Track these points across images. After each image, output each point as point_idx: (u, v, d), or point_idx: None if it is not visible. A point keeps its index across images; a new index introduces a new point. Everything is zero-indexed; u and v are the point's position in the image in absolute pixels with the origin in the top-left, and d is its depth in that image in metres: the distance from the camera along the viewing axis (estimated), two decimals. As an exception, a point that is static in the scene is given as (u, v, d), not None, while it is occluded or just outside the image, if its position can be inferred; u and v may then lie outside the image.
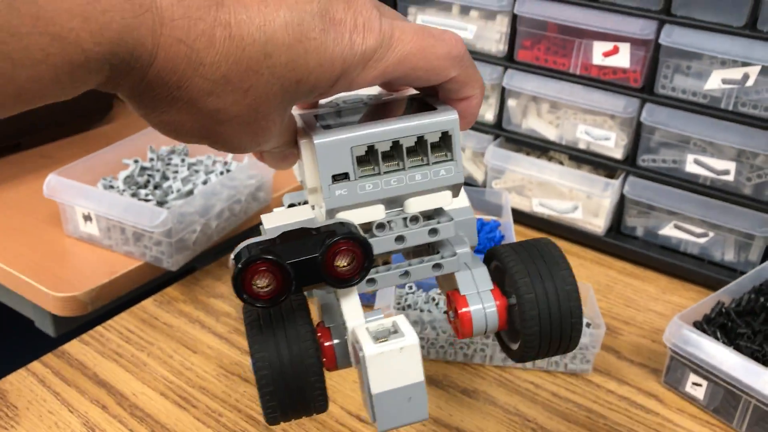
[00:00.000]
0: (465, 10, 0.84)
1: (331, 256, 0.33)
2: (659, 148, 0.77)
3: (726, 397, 0.60)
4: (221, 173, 0.83)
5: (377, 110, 0.38)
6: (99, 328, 0.69)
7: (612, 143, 0.79)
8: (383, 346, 0.33)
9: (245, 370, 0.64)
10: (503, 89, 0.83)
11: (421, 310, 0.69)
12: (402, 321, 0.35)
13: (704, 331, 0.64)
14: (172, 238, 0.72)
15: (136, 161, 0.84)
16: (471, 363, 0.66)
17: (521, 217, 0.86)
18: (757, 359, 0.60)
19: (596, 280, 0.79)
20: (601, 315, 0.66)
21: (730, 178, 0.74)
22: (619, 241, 0.82)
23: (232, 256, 0.34)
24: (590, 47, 0.77)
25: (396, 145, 0.35)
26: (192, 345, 0.67)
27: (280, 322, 0.35)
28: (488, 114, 0.87)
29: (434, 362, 0.66)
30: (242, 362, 0.65)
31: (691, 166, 0.76)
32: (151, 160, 0.86)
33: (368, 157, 0.35)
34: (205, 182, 0.82)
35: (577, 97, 0.79)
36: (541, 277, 0.38)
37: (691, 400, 0.63)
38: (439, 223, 0.37)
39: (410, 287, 0.71)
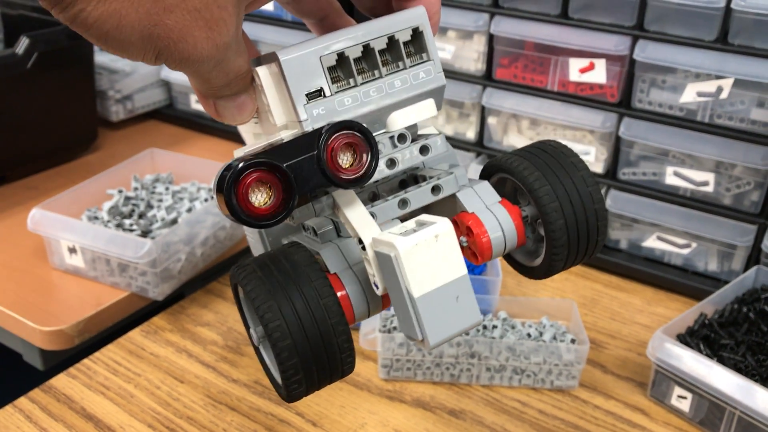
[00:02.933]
0: (442, 31, 0.85)
1: (332, 153, 0.30)
2: (639, 162, 0.78)
3: (711, 409, 0.60)
4: (206, 200, 0.84)
5: None
6: (86, 360, 0.69)
7: (592, 158, 0.80)
8: (415, 236, 0.30)
9: (232, 399, 0.64)
10: (483, 107, 0.84)
11: (407, 332, 0.69)
12: (425, 216, 0.32)
13: (687, 343, 0.64)
14: (157, 268, 0.72)
15: (120, 191, 0.84)
16: (458, 383, 0.66)
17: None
18: (740, 370, 0.61)
19: (582, 294, 0.79)
20: (585, 331, 0.66)
21: (710, 189, 0.75)
22: (604, 255, 0.83)
23: (214, 181, 0.30)
24: (566, 64, 0.78)
25: (367, 51, 0.33)
26: (179, 375, 0.67)
27: (290, 280, 0.31)
28: (469, 132, 0.88)
29: (421, 383, 0.66)
30: (229, 390, 0.65)
31: (671, 178, 0.76)
32: (135, 189, 0.87)
33: (341, 72, 0.33)
34: (189, 210, 0.82)
35: (555, 113, 0.80)
36: (561, 183, 0.35)
37: (677, 412, 0.63)
38: (427, 139, 0.35)
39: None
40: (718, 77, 0.70)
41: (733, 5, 0.67)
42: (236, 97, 0.33)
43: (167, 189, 0.87)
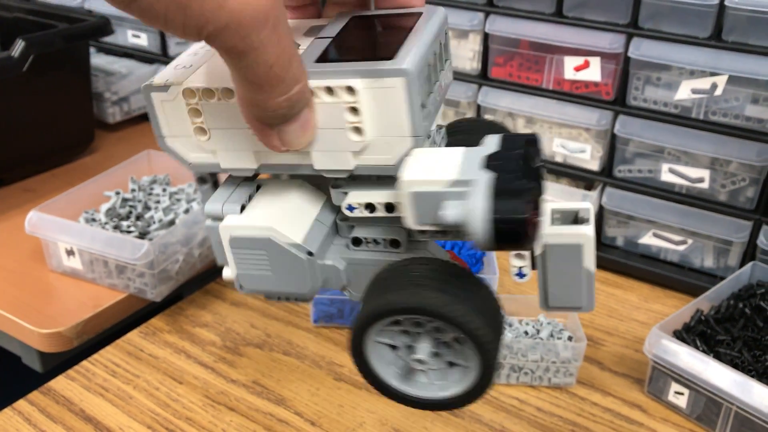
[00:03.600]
0: (438, 30, 0.85)
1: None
2: (634, 159, 0.78)
3: (708, 404, 0.60)
4: (203, 201, 0.84)
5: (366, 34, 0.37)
6: (85, 362, 0.69)
7: (588, 155, 0.80)
8: (589, 226, 0.34)
9: (231, 399, 0.65)
10: (478, 106, 0.84)
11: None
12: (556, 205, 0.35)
13: (684, 339, 0.64)
14: (155, 269, 0.72)
15: (117, 193, 0.84)
16: (456, 381, 0.66)
17: (503, 232, 0.86)
18: (736, 366, 0.61)
19: (579, 291, 0.80)
20: (582, 328, 0.67)
21: (705, 185, 0.75)
22: (600, 252, 0.83)
23: (489, 230, 0.29)
24: (561, 62, 0.78)
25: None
26: (178, 376, 0.68)
27: (463, 283, 0.34)
28: (466, 131, 0.88)
29: (419, 382, 0.66)
30: (228, 391, 0.66)
31: (666, 175, 0.77)
32: (133, 191, 0.87)
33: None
34: (186, 211, 0.82)
35: (551, 111, 0.80)
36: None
37: (675, 408, 0.63)
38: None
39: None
40: (713, 74, 0.70)
41: (726, 2, 0.67)
42: (299, 115, 0.31)
43: (164, 190, 0.87)
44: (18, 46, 0.90)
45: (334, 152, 0.34)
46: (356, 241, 0.38)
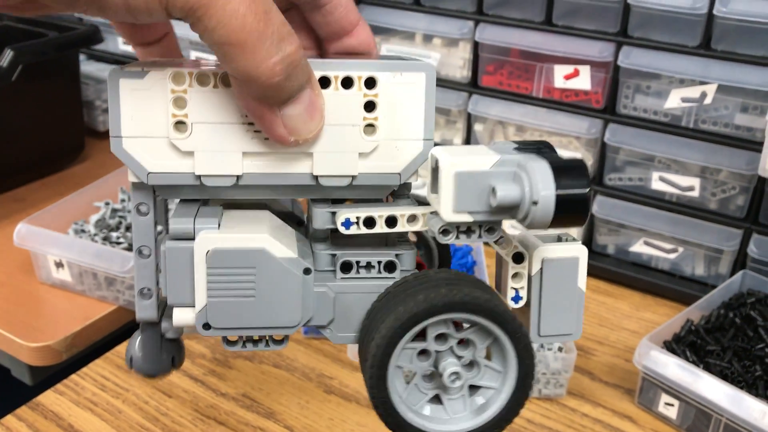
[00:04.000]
0: (428, 39, 0.85)
1: None
2: (625, 167, 0.78)
3: (698, 416, 0.60)
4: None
5: None
6: (74, 376, 0.69)
7: (578, 164, 0.80)
8: (577, 243, 0.34)
9: (221, 413, 0.64)
10: (469, 115, 0.84)
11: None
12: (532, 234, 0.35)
13: (674, 350, 0.64)
14: (144, 281, 0.72)
15: (107, 203, 0.84)
16: (446, 393, 0.66)
17: (494, 240, 0.86)
18: (726, 377, 0.61)
19: (570, 300, 0.79)
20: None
21: (696, 194, 0.75)
22: (591, 260, 0.82)
23: (548, 199, 0.29)
24: (551, 71, 0.78)
25: None
26: (167, 389, 0.67)
27: (485, 285, 0.34)
28: (456, 139, 0.88)
29: (409, 394, 0.66)
30: (217, 404, 0.65)
31: (656, 183, 0.77)
32: (123, 201, 0.86)
33: None
34: (177, 221, 0.82)
35: (541, 120, 0.80)
36: None
37: (665, 420, 0.63)
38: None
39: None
40: (702, 83, 0.70)
41: (715, 11, 0.67)
42: (300, 94, 0.29)
43: (154, 200, 0.86)
44: (7, 56, 0.90)
45: (340, 153, 0.32)
46: (346, 267, 0.33)
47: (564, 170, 0.29)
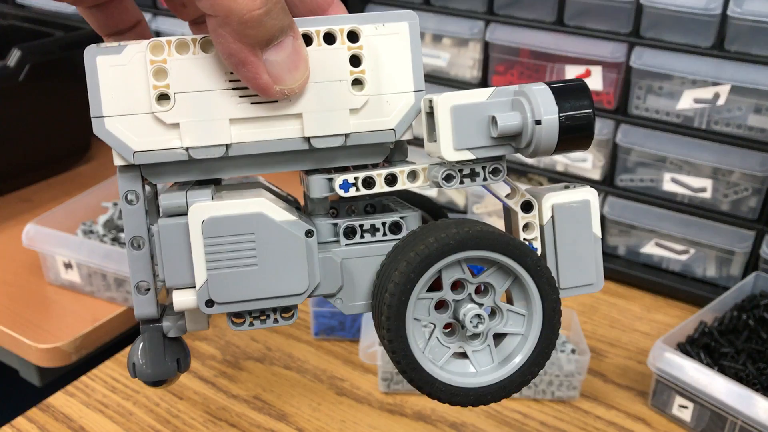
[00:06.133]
0: (437, 39, 0.84)
1: None
2: (636, 168, 0.78)
3: (712, 418, 0.60)
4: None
5: None
6: (84, 378, 0.68)
7: (589, 164, 0.80)
8: (590, 188, 0.33)
9: (232, 415, 0.64)
10: (479, 115, 0.84)
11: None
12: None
13: (688, 353, 0.64)
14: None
15: (115, 204, 0.84)
16: (458, 395, 0.66)
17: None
18: (740, 380, 0.61)
19: (580, 301, 0.79)
20: (585, 340, 0.66)
21: (708, 195, 0.74)
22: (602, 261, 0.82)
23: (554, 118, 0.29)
24: (563, 71, 0.77)
25: None
26: (178, 391, 0.67)
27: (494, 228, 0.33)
28: (466, 139, 0.87)
29: (421, 396, 0.66)
30: (228, 406, 0.65)
31: (668, 184, 0.76)
32: (131, 201, 0.86)
33: None
34: (185, 222, 0.82)
35: (552, 120, 0.79)
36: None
37: (679, 422, 0.63)
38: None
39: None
40: (715, 84, 0.70)
41: (729, 12, 0.67)
42: (282, 41, 0.28)
43: (162, 201, 0.86)
44: (14, 56, 0.90)
45: (329, 112, 0.31)
46: (350, 232, 0.32)
47: (565, 91, 0.29)
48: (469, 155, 0.30)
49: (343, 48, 0.30)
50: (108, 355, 0.72)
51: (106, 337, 0.74)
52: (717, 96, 0.70)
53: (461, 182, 0.31)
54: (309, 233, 0.31)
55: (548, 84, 0.30)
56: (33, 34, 0.99)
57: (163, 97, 0.30)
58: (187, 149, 0.30)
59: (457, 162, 0.31)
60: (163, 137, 0.30)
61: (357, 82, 0.31)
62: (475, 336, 0.32)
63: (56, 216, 0.80)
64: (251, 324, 0.32)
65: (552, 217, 0.32)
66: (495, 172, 0.32)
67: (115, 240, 0.79)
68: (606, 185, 0.80)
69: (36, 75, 0.92)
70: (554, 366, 0.64)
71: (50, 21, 1.02)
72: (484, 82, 0.83)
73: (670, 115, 0.73)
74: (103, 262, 0.72)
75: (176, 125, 0.30)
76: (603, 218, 0.80)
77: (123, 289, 0.74)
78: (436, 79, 0.85)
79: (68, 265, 0.75)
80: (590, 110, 0.29)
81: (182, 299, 0.31)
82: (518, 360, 0.32)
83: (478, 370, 0.32)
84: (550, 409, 0.65)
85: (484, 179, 0.31)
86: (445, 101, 0.30)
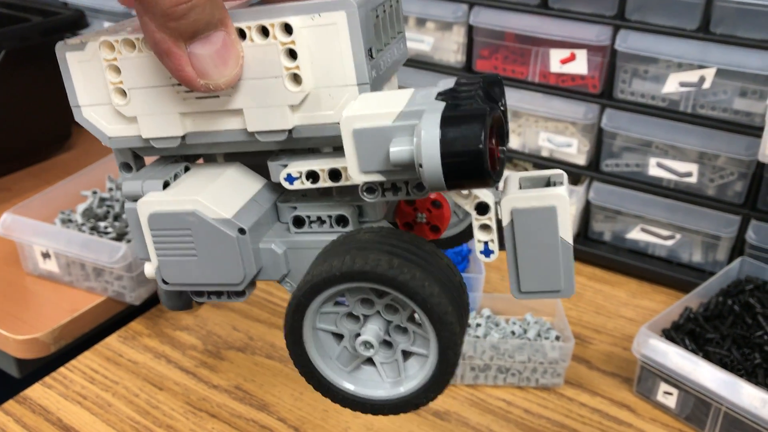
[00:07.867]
0: (421, 22, 0.83)
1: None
2: (622, 153, 0.77)
3: (697, 404, 0.60)
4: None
5: None
6: (62, 369, 0.67)
7: (574, 149, 0.79)
8: (563, 188, 0.30)
9: (213, 405, 0.63)
10: (463, 100, 0.83)
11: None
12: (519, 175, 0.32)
13: (673, 339, 0.63)
14: (133, 272, 0.70)
15: (94, 192, 0.82)
16: (442, 383, 0.65)
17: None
18: (725, 366, 0.60)
19: (566, 288, 0.78)
20: (570, 327, 0.65)
21: (693, 179, 0.74)
22: (587, 247, 0.82)
23: (434, 135, 0.26)
24: (547, 55, 0.76)
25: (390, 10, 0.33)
26: (158, 381, 0.66)
27: (419, 249, 0.30)
28: (450, 125, 0.86)
29: (405, 385, 0.65)
30: (209, 397, 0.64)
31: (654, 169, 0.75)
32: (110, 190, 0.85)
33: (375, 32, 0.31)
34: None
35: (537, 105, 0.78)
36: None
37: (664, 408, 0.62)
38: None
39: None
40: (701, 67, 0.69)
41: (714, -6, 0.66)
42: (209, 35, 0.27)
43: (143, 189, 0.85)
44: (-11, 41, 0.88)
45: (269, 108, 0.30)
46: (298, 222, 0.33)
47: (456, 122, 0.26)
48: (378, 177, 0.29)
49: (276, 43, 0.29)
50: (87, 346, 0.71)
51: (85, 327, 0.72)
52: (703, 79, 0.69)
53: (383, 195, 0.30)
54: (241, 231, 0.32)
55: (444, 110, 0.26)
56: (10, 19, 0.97)
57: (120, 92, 0.32)
58: (147, 140, 0.33)
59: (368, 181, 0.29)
60: (128, 126, 0.33)
61: (295, 77, 0.30)
62: (388, 347, 0.31)
63: (34, 205, 0.78)
64: (209, 297, 0.35)
65: (511, 222, 0.30)
66: (419, 187, 0.30)
67: (94, 229, 0.78)
68: (591, 170, 0.79)
69: (13, 61, 0.90)
70: (538, 353, 0.63)
71: (28, 6, 1.00)
72: (468, 67, 0.82)
73: (656, 99, 0.73)
74: (81, 252, 0.71)
75: (134, 118, 0.32)
76: (588, 203, 0.80)
77: (102, 279, 0.72)
78: (421, 64, 0.84)
79: (46, 255, 0.74)
80: (479, 146, 0.25)
81: (149, 270, 0.34)
82: (415, 383, 0.31)
83: (384, 381, 0.32)
84: (535, 397, 0.64)
85: (407, 194, 0.30)
86: (348, 124, 0.28)
